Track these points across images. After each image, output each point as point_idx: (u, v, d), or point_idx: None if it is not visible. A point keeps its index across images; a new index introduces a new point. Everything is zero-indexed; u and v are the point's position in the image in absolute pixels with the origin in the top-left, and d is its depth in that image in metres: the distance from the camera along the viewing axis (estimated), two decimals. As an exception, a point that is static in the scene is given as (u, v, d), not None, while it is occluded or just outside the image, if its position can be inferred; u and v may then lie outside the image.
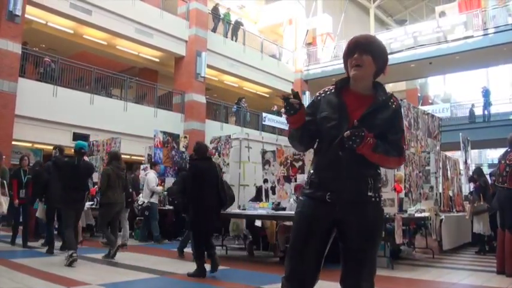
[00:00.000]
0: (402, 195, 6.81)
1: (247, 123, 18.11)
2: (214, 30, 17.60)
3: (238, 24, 18.84)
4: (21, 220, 7.26)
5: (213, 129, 15.19)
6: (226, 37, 18.14)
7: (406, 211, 6.57)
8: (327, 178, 1.83)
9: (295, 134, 1.90)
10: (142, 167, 10.32)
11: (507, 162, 4.96)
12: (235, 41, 18.49)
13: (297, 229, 1.89)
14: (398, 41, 18.21)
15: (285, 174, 7.17)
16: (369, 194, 1.82)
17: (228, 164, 8.19)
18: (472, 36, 16.34)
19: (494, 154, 26.22)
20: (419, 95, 26.39)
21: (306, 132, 1.88)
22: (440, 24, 17.56)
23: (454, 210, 8.88)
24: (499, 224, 5.24)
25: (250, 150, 8.36)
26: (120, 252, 6.48)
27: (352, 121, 1.77)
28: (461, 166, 10.40)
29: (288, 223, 5.79)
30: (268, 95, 21.56)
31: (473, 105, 19.56)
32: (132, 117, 13.62)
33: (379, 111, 1.85)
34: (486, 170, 12.78)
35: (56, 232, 6.92)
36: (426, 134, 7.60)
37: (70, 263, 5.17)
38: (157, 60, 17.01)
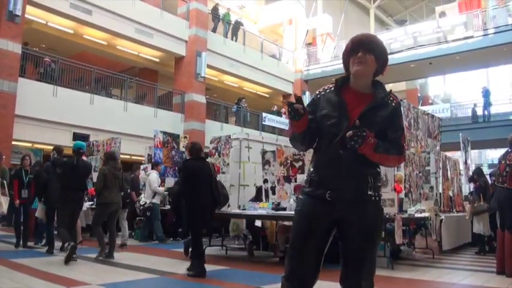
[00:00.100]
0: (402, 195, 6.80)
1: (247, 123, 18.11)
2: (214, 30, 17.61)
3: (238, 24, 18.84)
4: (21, 220, 7.26)
5: (213, 129, 15.20)
6: (226, 37, 18.15)
7: (406, 211, 6.57)
8: (327, 176, 1.83)
9: (298, 137, 1.90)
10: (142, 167, 10.32)
11: (507, 162, 4.96)
12: (235, 41, 18.49)
13: (297, 228, 1.89)
14: (398, 41, 18.21)
15: (285, 174, 7.16)
16: (369, 193, 1.83)
17: (228, 164, 8.18)
18: (472, 37, 16.34)
19: (494, 154, 26.22)
20: (419, 95, 26.40)
21: (308, 132, 1.88)
22: (440, 25, 17.56)
23: (454, 210, 8.88)
24: (498, 224, 5.25)
25: (250, 150, 8.35)
26: (120, 252, 6.49)
27: (352, 119, 1.77)
28: (461, 166, 10.40)
29: (287, 223, 5.79)
30: (268, 95, 21.57)
31: (475, 105, 19.54)
32: (132, 117, 13.63)
33: (379, 108, 1.85)
34: (486, 170, 12.76)
35: (56, 232, 6.92)
36: (426, 134, 7.60)
37: (68, 256, 5.31)
38: (157, 60, 17.01)
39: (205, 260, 4.94)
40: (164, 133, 10.17)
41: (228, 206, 7.13)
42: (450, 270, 5.55)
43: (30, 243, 7.09)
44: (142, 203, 8.46)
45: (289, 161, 7.14)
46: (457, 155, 12.45)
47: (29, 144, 12.31)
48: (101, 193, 6.05)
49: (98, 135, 11.74)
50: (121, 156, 9.92)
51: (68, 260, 5.33)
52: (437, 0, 23.25)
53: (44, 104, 11.63)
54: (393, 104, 1.88)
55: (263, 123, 18.35)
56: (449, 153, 11.04)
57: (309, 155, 6.16)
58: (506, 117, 18.54)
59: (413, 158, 6.98)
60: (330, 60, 20.11)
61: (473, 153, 20.15)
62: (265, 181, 7.42)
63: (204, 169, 5.10)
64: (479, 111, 19.03)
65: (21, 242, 6.94)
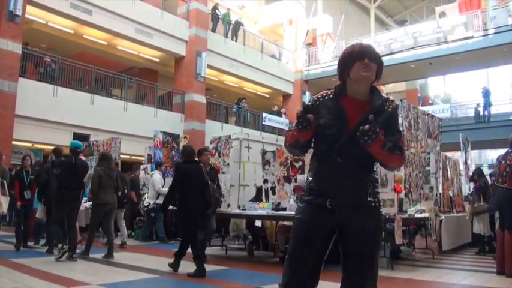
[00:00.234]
0: (402, 195, 6.81)
1: (247, 124, 18.11)
2: (214, 30, 17.60)
3: (238, 25, 18.84)
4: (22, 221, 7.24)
5: (213, 130, 15.19)
6: (227, 37, 18.15)
7: (406, 211, 6.57)
8: (327, 185, 1.84)
9: (301, 144, 1.90)
10: (142, 167, 10.32)
11: (507, 162, 4.96)
12: (236, 41, 18.49)
13: (297, 235, 1.89)
14: (399, 41, 18.21)
15: (285, 174, 7.16)
16: (369, 199, 1.84)
17: (228, 164, 8.18)
18: (472, 37, 16.34)
19: (494, 155, 26.17)
20: (419, 95, 26.40)
21: (311, 139, 1.90)
22: (440, 25, 17.56)
23: (454, 210, 8.87)
24: (498, 224, 5.24)
25: (250, 150, 8.35)
26: (119, 252, 6.49)
27: (351, 127, 1.79)
28: (461, 166, 10.40)
29: (287, 223, 5.79)
30: (268, 95, 21.57)
31: (478, 105, 19.50)
32: (132, 117, 13.62)
33: (377, 115, 1.85)
34: (486, 171, 12.76)
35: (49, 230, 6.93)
36: (426, 134, 7.60)
37: (62, 256, 5.52)
38: (157, 60, 17.00)
39: (203, 259, 4.94)
40: (164, 133, 10.16)
41: (228, 206, 7.15)
42: (450, 271, 5.55)
43: (30, 243, 7.08)
44: (146, 204, 8.47)
45: (289, 161, 7.14)
46: (457, 155, 12.44)
47: (29, 144, 12.30)
48: (96, 194, 6.11)
49: (98, 135, 11.73)
50: (121, 156, 9.94)
51: (58, 258, 5.55)
52: (438, 1, 23.26)
53: (44, 104, 11.62)
54: (390, 109, 1.90)
55: (263, 123, 18.35)
56: (449, 154, 11.03)
57: (309, 155, 6.15)
58: (507, 118, 18.51)
59: (414, 158, 6.98)
60: (330, 61, 20.08)
61: (474, 154, 20.15)
62: (265, 181, 7.42)
63: (196, 172, 5.17)
64: (480, 112, 19.01)
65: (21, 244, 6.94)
